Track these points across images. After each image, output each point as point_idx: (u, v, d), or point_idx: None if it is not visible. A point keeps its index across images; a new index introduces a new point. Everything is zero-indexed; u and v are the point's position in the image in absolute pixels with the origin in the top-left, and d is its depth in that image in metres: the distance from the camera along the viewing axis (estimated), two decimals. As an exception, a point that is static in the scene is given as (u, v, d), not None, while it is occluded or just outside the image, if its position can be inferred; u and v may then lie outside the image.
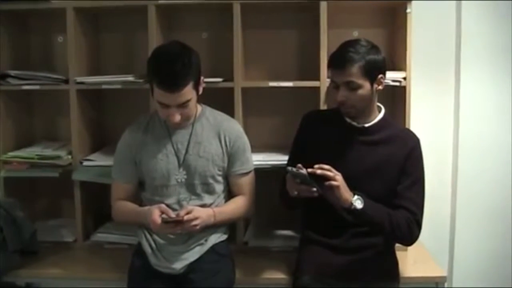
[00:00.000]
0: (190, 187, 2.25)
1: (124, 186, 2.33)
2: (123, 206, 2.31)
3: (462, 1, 2.87)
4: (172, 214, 2.10)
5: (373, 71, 2.13)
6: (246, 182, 2.33)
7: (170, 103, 2.10)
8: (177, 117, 2.13)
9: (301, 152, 2.30)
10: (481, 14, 2.88)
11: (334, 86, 2.17)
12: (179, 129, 2.24)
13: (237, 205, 2.31)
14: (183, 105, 2.11)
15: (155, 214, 2.08)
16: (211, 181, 2.26)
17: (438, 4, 2.87)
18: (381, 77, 2.17)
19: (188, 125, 2.25)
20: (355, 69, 2.10)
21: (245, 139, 2.34)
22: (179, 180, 2.24)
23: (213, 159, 2.25)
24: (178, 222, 2.07)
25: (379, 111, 2.27)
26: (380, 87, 2.19)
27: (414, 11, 2.56)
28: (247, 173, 2.32)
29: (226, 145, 2.27)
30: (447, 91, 2.95)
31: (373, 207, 2.08)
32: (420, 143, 2.25)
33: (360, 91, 2.13)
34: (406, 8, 2.55)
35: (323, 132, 2.27)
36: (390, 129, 2.25)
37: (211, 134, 2.26)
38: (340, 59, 2.13)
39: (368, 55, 2.12)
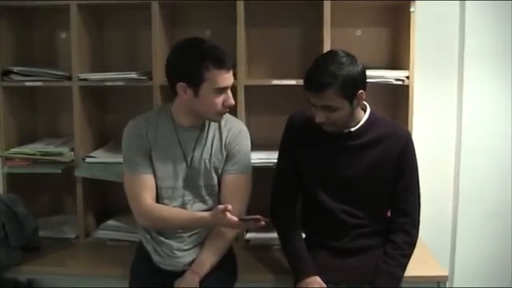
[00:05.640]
0: (195, 190, 2.20)
1: (149, 178, 2.15)
2: (169, 212, 2.15)
3: (466, 1, 2.86)
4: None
5: (352, 89, 2.02)
6: (232, 184, 2.19)
7: (229, 83, 2.07)
8: (232, 99, 2.11)
9: (289, 158, 2.26)
10: (484, 14, 2.87)
11: (312, 105, 2.09)
12: (187, 130, 2.18)
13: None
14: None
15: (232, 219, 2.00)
16: (215, 183, 2.22)
17: (441, 4, 2.86)
18: (361, 93, 2.05)
19: (196, 127, 2.19)
20: (332, 93, 1.99)
21: (245, 141, 2.25)
22: (186, 182, 2.19)
23: (215, 160, 2.20)
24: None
25: (365, 111, 2.20)
26: (361, 101, 2.11)
27: (418, 10, 2.56)
28: (236, 174, 2.20)
29: (226, 146, 2.21)
30: (450, 90, 2.94)
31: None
32: (411, 137, 2.22)
33: (339, 112, 2.04)
34: (409, 7, 2.54)
35: (311, 138, 2.20)
36: (378, 128, 2.18)
37: (215, 136, 2.21)
38: (314, 83, 2.01)
39: (345, 73, 1.98)
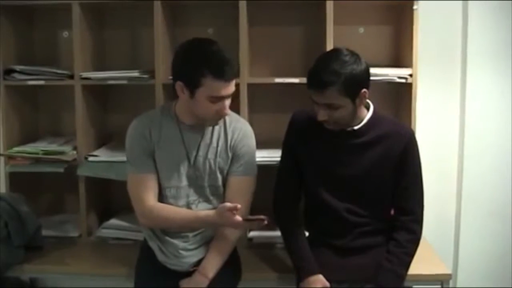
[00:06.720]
0: (199, 189, 2.20)
1: (152, 179, 2.15)
2: (172, 211, 2.15)
3: (469, 0, 2.86)
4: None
5: (354, 88, 2.02)
6: (238, 185, 2.20)
7: (226, 93, 2.03)
8: (228, 109, 2.08)
9: (292, 156, 2.26)
10: (487, 12, 2.87)
11: (314, 103, 2.08)
12: (191, 130, 2.17)
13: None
14: (231, 96, 2.07)
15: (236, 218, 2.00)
16: (219, 183, 2.22)
17: (444, 2, 2.86)
18: (364, 92, 2.05)
19: (200, 126, 2.18)
20: (334, 91, 1.98)
21: (251, 142, 2.24)
22: (190, 182, 2.19)
23: (220, 161, 2.19)
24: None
25: (368, 109, 2.19)
26: (364, 100, 2.10)
27: (421, 8, 2.56)
28: (241, 176, 2.21)
29: (232, 148, 2.20)
30: (453, 88, 2.93)
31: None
32: (415, 135, 2.21)
33: (342, 110, 2.04)
34: (412, 5, 2.54)
35: (313, 136, 2.20)
36: (381, 126, 2.17)
37: (220, 136, 2.21)
38: (317, 81, 2.00)
39: (348, 72, 1.98)
